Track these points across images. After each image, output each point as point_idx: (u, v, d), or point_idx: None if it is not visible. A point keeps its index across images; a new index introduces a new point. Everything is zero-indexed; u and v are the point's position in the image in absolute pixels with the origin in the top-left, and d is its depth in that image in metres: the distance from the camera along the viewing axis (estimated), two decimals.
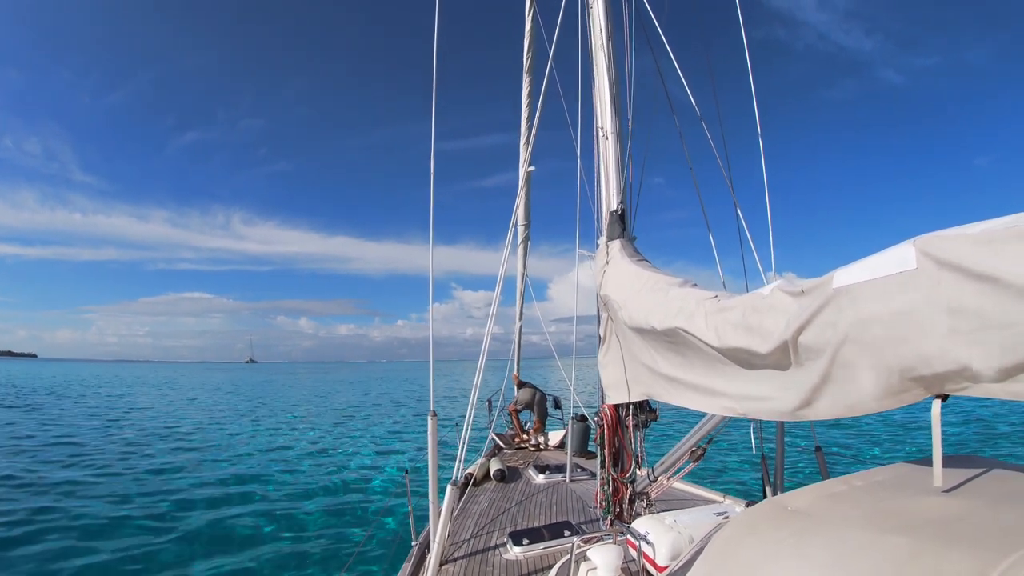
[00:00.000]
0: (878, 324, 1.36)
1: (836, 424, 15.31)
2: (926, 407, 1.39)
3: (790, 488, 2.29)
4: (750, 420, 2.89)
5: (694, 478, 5.01)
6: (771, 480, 3.55)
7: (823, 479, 3.01)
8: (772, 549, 1.21)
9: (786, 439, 3.60)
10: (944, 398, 1.33)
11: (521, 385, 8.77)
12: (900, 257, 1.33)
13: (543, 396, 8.54)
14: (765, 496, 3.63)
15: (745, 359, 1.89)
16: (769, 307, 1.75)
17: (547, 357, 8.93)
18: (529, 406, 8.45)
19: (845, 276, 1.46)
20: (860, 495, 1.39)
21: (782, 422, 3.32)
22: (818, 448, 3.51)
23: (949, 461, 1.37)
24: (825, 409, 1.61)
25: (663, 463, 3.22)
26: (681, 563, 1.74)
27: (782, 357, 1.69)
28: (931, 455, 1.40)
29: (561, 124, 5.64)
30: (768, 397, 1.84)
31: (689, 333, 2.17)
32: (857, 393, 1.47)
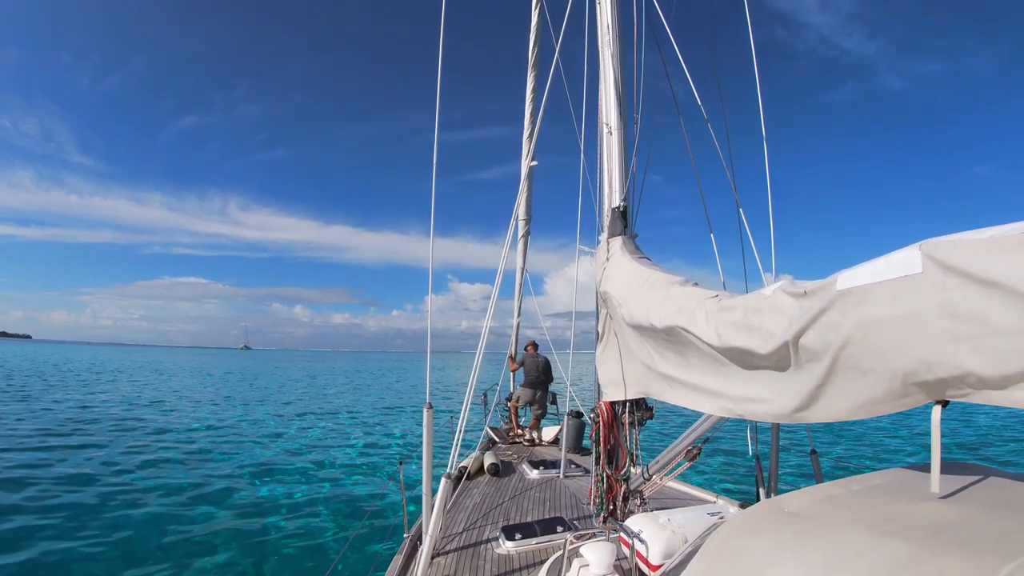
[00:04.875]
0: (881, 327, 1.36)
1: (830, 427, 15.35)
2: (923, 412, 1.39)
3: (784, 490, 2.29)
4: (747, 421, 2.89)
5: (686, 478, 5.02)
6: (765, 482, 3.56)
7: (817, 482, 3.02)
8: (771, 550, 1.21)
9: (779, 442, 3.60)
10: (945, 403, 1.33)
11: (524, 368, 8.57)
12: (905, 261, 1.32)
13: (544, 395, 8.43)
14: (759, 498, 3.63)
15: (745, 359, 1.89)
16: (771, 307, 1.74)
17: (543, 351, 8.84)
18: (529, 404, 8.39)
19: (849, 278, 1.46)
20: (858, 499, 1.39)
21: (778, 424, 3.32)
22: (813, 451, 3.52)
23: (945, 468, 1.37)
24: (824, 412, 1.60)
25: (658, 462, 3.22)
26: (675, 562, 1.74)
27: (782, 358, 1.69)
28: (925, 460, 1.40)
29: (561, 119, 5.63)
30: (767, 399, 1.84)
31: (689, 332, 2.16)
32: (858, 396, 1.47)
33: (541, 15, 6.87)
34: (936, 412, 1.32)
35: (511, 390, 9.13)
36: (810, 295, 1.58)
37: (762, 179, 4.33)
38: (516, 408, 8.49)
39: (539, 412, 8.36)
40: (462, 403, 3.73)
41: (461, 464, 5.78)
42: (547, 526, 4.03)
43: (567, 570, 2.71)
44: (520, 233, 8.87)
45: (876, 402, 1.43)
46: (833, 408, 1.56)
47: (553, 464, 6.13)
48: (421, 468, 3.75)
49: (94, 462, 10.96)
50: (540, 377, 8.40)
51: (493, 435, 8.16)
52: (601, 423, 3.52)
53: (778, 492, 3.47)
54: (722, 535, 1.37)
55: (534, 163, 5.42)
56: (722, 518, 2.46)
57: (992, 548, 1.01)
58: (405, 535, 4.06)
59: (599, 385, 3.48)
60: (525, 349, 8.80)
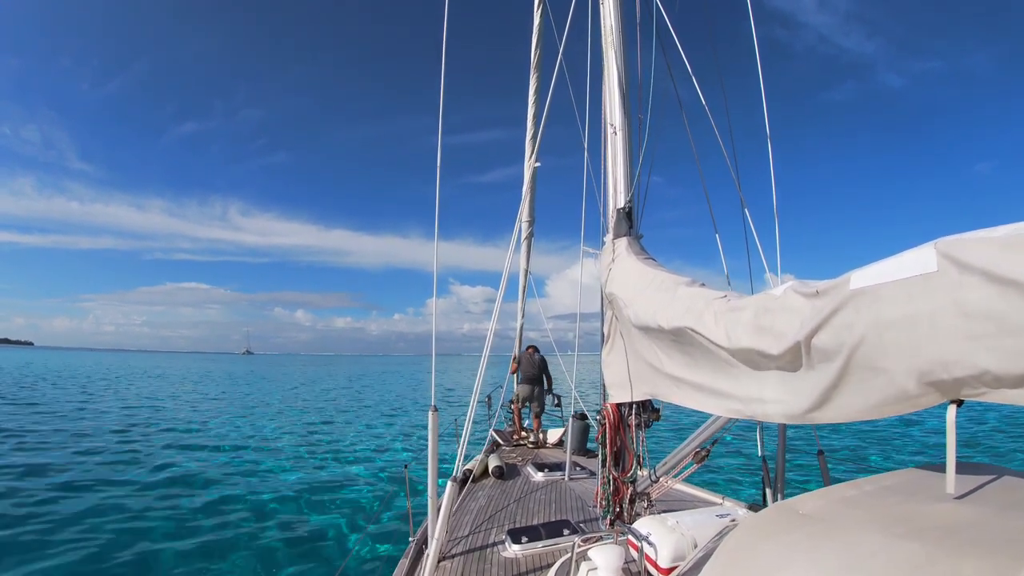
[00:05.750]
0: (896, 327, 1.34)
1: (836, 427, 15.24)
2: (935, 412, 1.38)
3: (791, 492, 2.26)
4: (755, 422, 2.87)
5: (692, 479, 4.98)
6: (772, 483, 3.53)
7: (824, 483, 2.99)
8: (785, 553, 1.19)
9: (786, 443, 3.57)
10: (960, 403, 1.31)
11: (519, 368, 8.59)
12: (920, 259, 1.31)
13: (542, 391, 8.47)
14: (765, 499, 3.60)
15: (755, 360, 1.87)
16: (782, 308, 1.72)
17: (546, 353, 8.85)
18: (528, 401, 8.41)
19: (863, 278, 1.44)
20: (872, 500, 1.38)
21: (784, 425, 3.30)
22: (820, 452, 3.49)
23: (959, 468, 1.35)
24: (836, 412, 1.58)
25: (666, 464, 3.19)
26: (688, 566, 1.72)
27: (793, 359, 1.67)
28: (937, 460, 1.38)
29: (563, 120, 5.61)
30: (777, 399, 1.82)
31: (698, 333, 2.14)
32: (871, 396, 1.45)
33: (544, 16, 6.85)
34: (951, 412, 1.30)
35: (515, 392, 9.12)
36: (822, 295, 1.57)
37: (763, 179, 4.30)
38: (519, 409, 8.49)
39: (537, 409, 8.39)
40: (466, 406, 3.71)
41: (466, 467, 5.75)
42: (553, 529, 4.00)
43: (575, 573, 2.69)
44: (524, 235, 8.84)
45: (890, 402, 1.42)
46: (846, 408, 1.54)
47: (558, 466, 6.09)
48: (426, 471, 3.74)
49: (92, 464, 11.00)
50: (535, 373, 8.52)
51: (497, 438, 8.12)
52: (607, 425, 3.50)
53: (785, 493, 3.45)
54: (735, 538, 1.35)
55: (537, 164, 5.42)
56: (733, 520, 2.44)
57: (1007, 550, 1.00)
58: (411, 539, 4.03)
59: (604, 387, 3.45)
60: (525, 351, 8.86)
